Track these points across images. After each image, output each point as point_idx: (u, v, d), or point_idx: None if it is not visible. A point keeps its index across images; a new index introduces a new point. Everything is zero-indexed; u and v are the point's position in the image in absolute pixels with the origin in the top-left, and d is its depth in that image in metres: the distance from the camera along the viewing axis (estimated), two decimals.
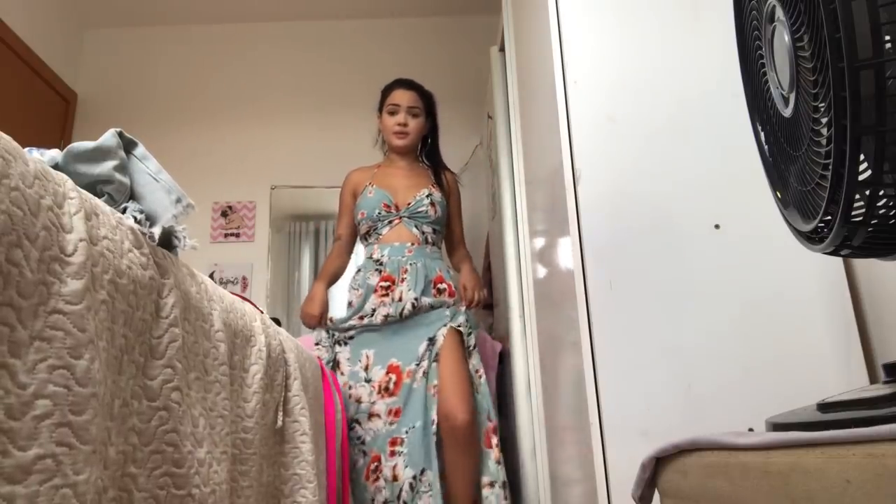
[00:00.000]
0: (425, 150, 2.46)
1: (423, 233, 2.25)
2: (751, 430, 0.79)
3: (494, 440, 2.01)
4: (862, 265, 1.19)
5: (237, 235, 3.42)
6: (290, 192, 3.49)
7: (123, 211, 0.69)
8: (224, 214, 3.45)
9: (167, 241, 0.75)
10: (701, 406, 1.12)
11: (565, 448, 1.44)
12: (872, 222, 0.54)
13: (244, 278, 3.34)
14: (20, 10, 3.14)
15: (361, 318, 2.13)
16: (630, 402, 1.12)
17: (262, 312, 1.19)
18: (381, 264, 2.19)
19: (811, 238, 0.64)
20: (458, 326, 2.11)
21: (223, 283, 3.29)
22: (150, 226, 0.71)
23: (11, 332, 0.44)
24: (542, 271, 1.70)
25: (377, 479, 1.92)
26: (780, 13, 0.64)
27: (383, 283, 2.15)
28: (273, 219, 3.45)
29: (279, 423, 1.15)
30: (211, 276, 2.90)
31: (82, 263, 0.52)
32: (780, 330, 1.16)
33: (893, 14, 0.49)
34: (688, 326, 1.16)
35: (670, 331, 1.16)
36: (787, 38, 0.62)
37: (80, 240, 0.53)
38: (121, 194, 0.71)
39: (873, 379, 1.12)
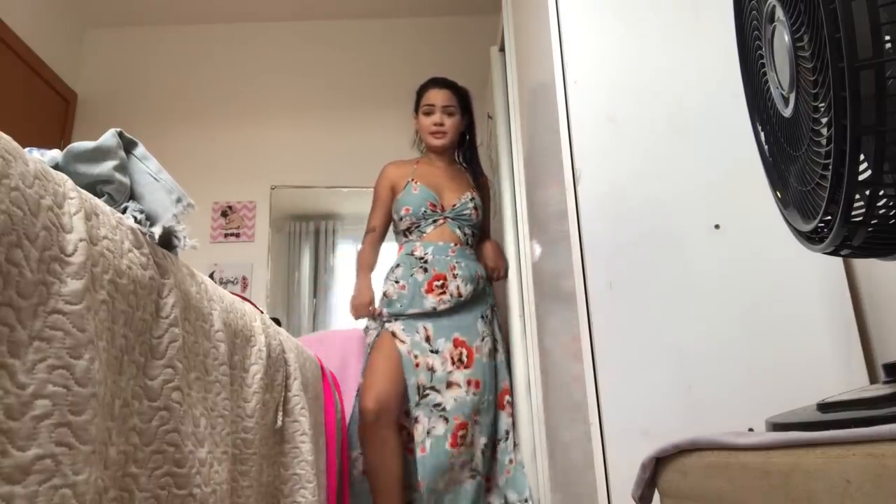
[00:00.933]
0: (463, 149, 2.51)
1: (465, 234, 2.30)
2: (751, 430, 0.79)
3: (507, 398, 2.14)
4: (862, 265, 1.19)
5: (237, 235, 3.42)
6: (290, 192, 3.49)
7: (123, 211, 0.69)
8: (224, 214, 3.45)
9: (167, 241, 0.75)
10: (701, 406, 1.12)
11: (565, 448, 1.44)
12: (872, 222, 0.54)
13: (244, 278, 3.34)
14: (20, 10, 3.14)
15: (420, 314, 2.15)
16: (630, 402, 1.12)
17: (262, 312, 1.19)
18: (425, 262, 2.22)
19: (811, 238, 0.63)
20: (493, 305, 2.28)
21: (223, 283, 3.29)
22: (151, 225, 0.71)
23: (11, 332, 0.44)
24: (542, 271, 1.70)
25: (463, 444, 2.01)
26: (780, 13, 0.63)
27: (437, 283, 2.18)
28: (273, 219, 3.45)
29: (279, 423, 1.15)
30: (211, 276, 2.90)
31: (82, 263, 0.52)
32: (780, 330, 1.16)
33: (893, 14, 0.49)
34: (688, 326, 1.16)
35: (670, 331, 1.16)
36: (787, 38, 0.62)
37: (80, 240, 0.52)
38: (121, 194, 0.71)
39: (873, 379, 1.12)
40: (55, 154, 0.70)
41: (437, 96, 2.40)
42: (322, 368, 1.78)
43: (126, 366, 0.61)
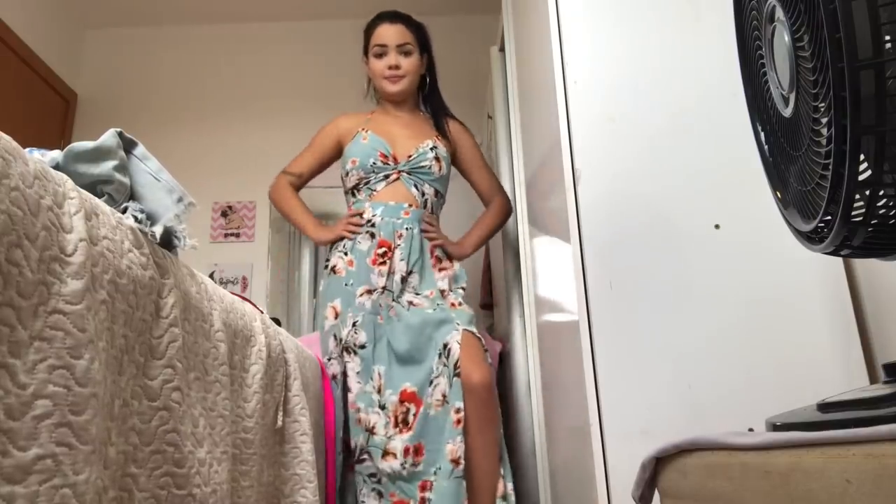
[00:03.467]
0: (424, 94, 2.11)
1: (424, 194, 1.92)
2: (751, 430, 0.79)
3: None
4: (862, 265, 1.19)
5: (237, 235, 3.43)
6: None
7: (124, 211, 0.69)
8: (224, 214, 3.45)
9: (167, 241, 0.75)
10: (701, 406, 1.12)
11: (565, 448, 1.44)
12: (872, 222, 0.54)
13: (244, 278, 3.34)
14: (20, 10, 3.14)
15: (370, 291, 1.82)
16: (630, 402, 1.12)
17: (262, 312, 1.19)
18: (373, 226, 1.87)
19: (811, 238, 0.63)
20: (472, 330, 1.76)
21: (223, 283, 3.29)
22: (151, 225, 0.71)
23: (11, 332, 0.44)
24: (542, 271, 1.70)
25: None
26: (780, 13, 0.63)
27: (379, 251, 1.84)
28: (273, 219, 3.45)
29: (279, 423, 1.15)
30: (211, 276, 2.90)
31: (82, 263, 0.52)
32: (780, 330, 1.16)
33: (893, 14, 0.49)
34: (688, 326, 1.16)
35: (670, 331, 1.16)
36: (787, 38, 0.62)
37: (80, 240, 0.52)
38: (121, 194, 0.71)
39: (873, 379, 1.12)
40: (55, 154, 0.70)
41: (389, 33, 1.99)
42: (322, 368, 1.78)
43: (126, 366, 0.61)
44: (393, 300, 1.82)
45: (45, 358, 0.46)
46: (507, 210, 2.06)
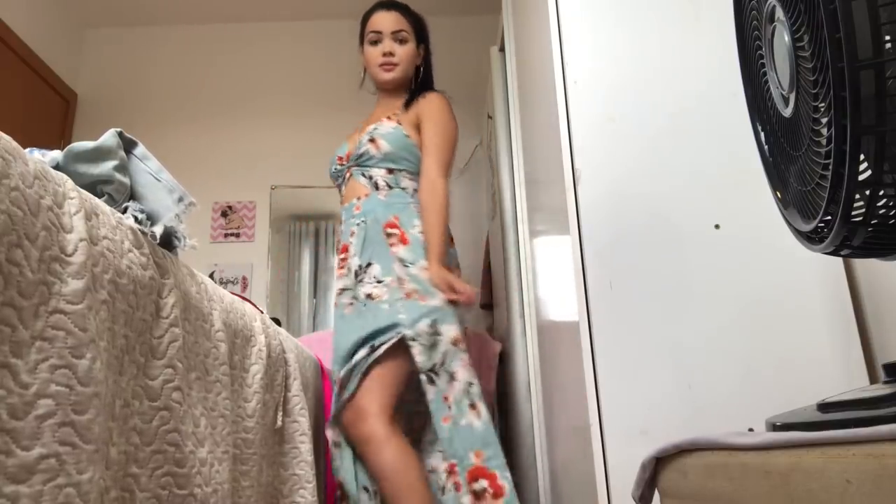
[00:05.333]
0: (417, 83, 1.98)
1: (372, 178, 1.82)
2: (751, 430, 0.79)
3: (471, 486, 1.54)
4: (862, 265, 1.19)
5: (237, 235, 3.43)
6: (290, 192, 3.49)
7: (124, 211, 0.69)
8: (224, 214, 3.45)
9: (167, 241, 0.75)
10: (701, 406, 1.12)
11: (565, 448, 1.44)
12: (872, 222, 0.54)
13: (244, 278, 3.34)
14: (20, 10, 3.14)
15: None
16: (630, 402, 1.12)
17: (262, 312, 1.19)
18: (340, 233, 1.88)
19: (811, 238, 0.64)
20: (413, 339, 1.58)
21: (223, 283, 3.29)
22: (152, 225, 0.71)
23: (13, 332, 0.44)
24: (542, 271, 1.70)
25: None
26: (780, 13, 0.64)
27: (341, 256, 1.83)
28: (273, 219, 3.45)
29: (279, 423, 1.15)
30: (211, 276, 2.90)
31: (83, 263, 0.52)
32: (780, 330, 1.16)
33: (893, 14, 0.49)
34: (688, 326, 1.16)
35: (670, 331, 1.16)
36: (787, 38, 0.62)
37: (81, 240, 0.53)
38: (121, 194, 0.71)
39: (873, 379, 1.12)
40: (55, 154, 0.70)
41: (384, 20, 1.92)
42: (322, 368, 1.78)
43: (126, 366, 0.61)
44: (353, 297, 1.72)
45: (46, 357, 0.46)
46: (430, 201, 1.75)
